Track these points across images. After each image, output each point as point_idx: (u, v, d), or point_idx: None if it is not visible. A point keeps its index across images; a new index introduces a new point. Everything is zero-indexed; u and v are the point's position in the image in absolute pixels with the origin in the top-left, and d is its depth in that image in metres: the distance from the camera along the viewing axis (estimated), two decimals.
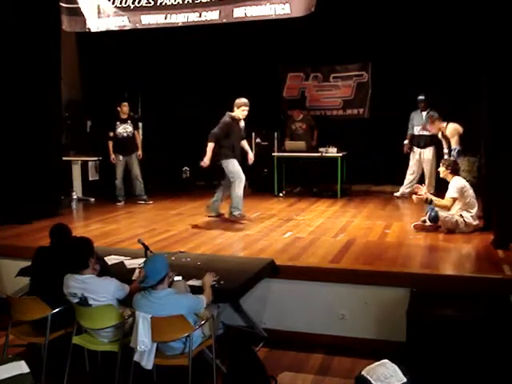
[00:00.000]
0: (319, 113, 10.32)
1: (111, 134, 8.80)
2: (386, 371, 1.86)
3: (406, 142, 9.16)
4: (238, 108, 7.16)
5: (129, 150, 8.90)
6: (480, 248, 5.75)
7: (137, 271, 4.55)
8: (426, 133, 8.89)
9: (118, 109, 8.85)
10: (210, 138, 7.03)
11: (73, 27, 7.50)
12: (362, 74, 10.19)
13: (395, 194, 9.23)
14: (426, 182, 9.04)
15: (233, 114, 7.17)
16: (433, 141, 8.94)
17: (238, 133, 7.23)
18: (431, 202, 6.40)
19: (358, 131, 9.78)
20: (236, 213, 7.12)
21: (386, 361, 1.90)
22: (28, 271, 4.75)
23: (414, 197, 6.89)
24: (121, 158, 8.86)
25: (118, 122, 8.83)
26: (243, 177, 7.15)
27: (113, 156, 8.81)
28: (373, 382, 1.83)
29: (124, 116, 8.87)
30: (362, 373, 1.86)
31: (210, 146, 7.01)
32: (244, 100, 7.18)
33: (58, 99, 8.12)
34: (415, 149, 9.13)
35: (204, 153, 7.02)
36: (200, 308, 3.91)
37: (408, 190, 9.03)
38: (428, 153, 9.03)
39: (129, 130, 8.87)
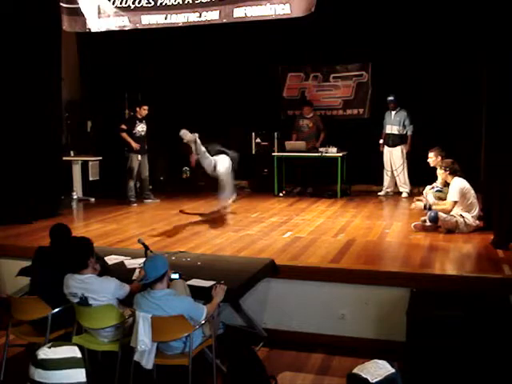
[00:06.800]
0: (319, 113, 10.29)
1: (124, 126, 8.75)
2: (375, 366, 1.91)
3: (381, 141, 9.33)
4: None
5: (144, 149, 8.90)
6: (480, 248, 5.75)
7: (137, 271, 4.55)
8: (395, 132, 9.16)
9: (137, 109, 8.82)
10: None
11: (73, 27, 7.49)
12: (362, 74, 10.18)
13: (379, 194, 9.39)
14: (397, 180, 9.23)
15: None
16: (401, 140, 9.15)
17: None
18: (430, 207, 6.40)
19: (357, 131, 9.78)
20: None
21: (376, 360, 1.95)
22: (28, 271, 4.76)
23: (412, 205, 6.92)
24: (139, 157, 8.81)
25: (137, 121, 8.82)
26: None
27: (135, 145, 8.70)
28: (363, 375, 1.87)
29: (140, 116, 8.86)
30: (353, 371, 1.90)
31: None
32: None
33: (58, 99, 8.12)
34: (385, 147, 9.30)
35: None
36: (199, 317, 3.84)
37: (390, 189, 9.36)
38: (397, 152, 9.20)
39: (145, 129, 8.89)
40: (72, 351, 1.97)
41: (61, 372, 1.89)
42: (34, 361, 1.92)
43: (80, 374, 1.94)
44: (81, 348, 4.06)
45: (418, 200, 6.75)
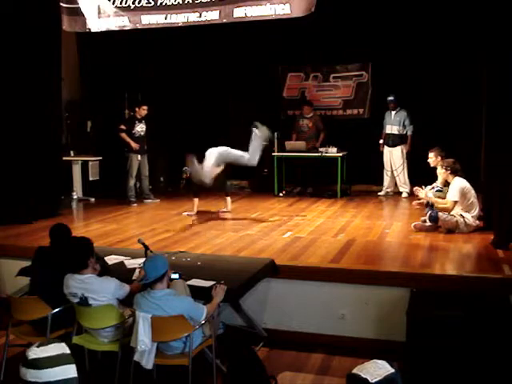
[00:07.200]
0: (319, 113, 10.29)
1: (123, 126, 8.75)
2: (375, 366, 1.91)
3: (381, 141, 9.33)
4: None
5: (144, 149, 8.89)
6: (480, 248, 5.75)
7: (137, 271, 4.55)
8: (395, 132, 9.18)
9: (137, 109, 8.81)
10: None
11: (73, 27, 7.49)
12: (362, 74, 10.18)
13: (379, 194, 9.40)
14: (397, 180, 9.25)
15: None
16: (401, 140, 9.17)
17: None
18: (432, 205, 6.40)
19: (357, 131, 9.78)
20: None
21: (375, 360, 1.95)
22: (28, 271, 4.76)
23: (414, 202, 6.92)
24: (139, 157, 8.80)
25: (136, 121, 8.82)
26: None
27: (135, 145, 8.68)
28: (362, 375, 1.88)
29: (140, 116, 8.86)
30: (353, 371, 1.91)
31: None
32: None
33: (58, 99, 8.12)
34: (385, 147, 9.31)
35: None
36: (199, 317, 3.84)
37: (390, 189, 9.37)
38: (397, 152, 9.21)
39: (145, 129, 8.88)
40: (61, 348, 1.97)
41: (53, 369, 1.91)
42: (24, 361, 1.93)
43: (71, 369, 1.95)
44: (81, 348, 4.09)
45: (417, 190, 6.62)
